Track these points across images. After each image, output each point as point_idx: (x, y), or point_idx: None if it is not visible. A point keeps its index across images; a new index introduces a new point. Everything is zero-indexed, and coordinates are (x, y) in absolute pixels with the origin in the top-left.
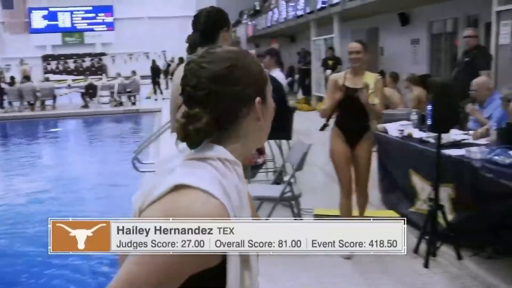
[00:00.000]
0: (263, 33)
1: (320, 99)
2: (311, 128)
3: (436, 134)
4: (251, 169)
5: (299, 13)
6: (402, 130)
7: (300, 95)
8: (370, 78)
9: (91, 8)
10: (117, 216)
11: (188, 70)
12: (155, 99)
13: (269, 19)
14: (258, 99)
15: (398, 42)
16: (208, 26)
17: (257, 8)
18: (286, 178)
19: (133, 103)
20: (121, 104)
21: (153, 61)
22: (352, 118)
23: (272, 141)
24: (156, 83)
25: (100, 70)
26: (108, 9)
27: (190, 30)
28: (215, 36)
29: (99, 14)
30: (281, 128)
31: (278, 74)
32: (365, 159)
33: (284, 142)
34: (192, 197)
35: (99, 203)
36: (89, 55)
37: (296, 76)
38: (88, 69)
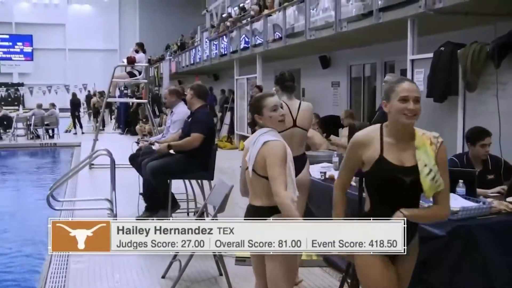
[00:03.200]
0: (187, 70)
1: (243, 137)
2: (233, 167)
3: (358, 177)
4: (172, 208)
5: (223, 52)
6: (324, 173)
7: (222, 133)
8: (425, 145)
9: (7, 36)
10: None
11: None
12: (74, 133)
13: (193, 56)
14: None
15: (319, 84)
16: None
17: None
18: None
19: (51, 137)
20: (37, 137)
21: (74, 94)
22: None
23: (193, 181)
24: (75, 117)
25: (16, 101)
26: (27, 39)
27: (113, 64)
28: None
29: (17, 43)
30: (202, 167)
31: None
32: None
33: (205, 182)
34: (274, 143)
35: (8, 238)
36: (5, 85)
37: (219, 115)
38: (4, 100)
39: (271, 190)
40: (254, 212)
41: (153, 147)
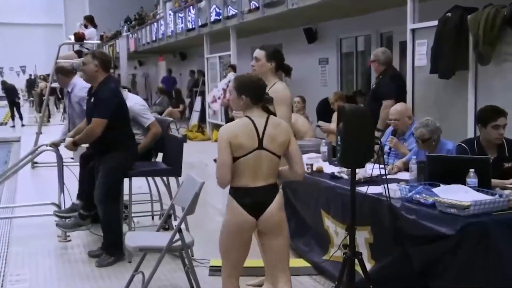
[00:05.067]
0: (148, 48)
1: (217, 127)
2: (205, 161)
3: (350, 169)
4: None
5: (190, 26)
6: (311, 165)
7: (192, 122)
8: None
9: None
10: None
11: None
12: (12, 126)
13: (154, 32)
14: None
15: (305, 61)
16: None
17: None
18: (175, 223)
19: None
20: None
21: (3, 82)
22: None
23: (157, 178)
24: (14, 105)
25: None
26: None
27: (57, 41)
28: None
29: None
30: (168, 162)
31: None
32: None
33: (172, 179)
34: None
35: None
36: None
37: (187, 100)
38: None
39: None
40: (267, 191)
41: (63, 145)
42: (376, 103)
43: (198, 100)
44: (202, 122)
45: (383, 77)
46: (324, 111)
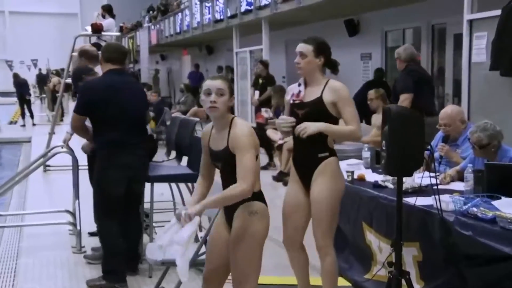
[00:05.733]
0: (171, 41)
1: None
2: None
3: (396, 177)
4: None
5: (218, 16)
6: (351, 172)
7: None
8: None
9: None
10: None
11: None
12: (22, 125)
13: (179, 23)
14: None
15: (345, 56)
16: None
17: (162, 7)
18: (200, 234)
19: None
20: None
21: (15, 75)
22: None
23: (181, 184)
24: (25, 102)
25: None
26: None
27: (72, 33)
28: None
29: None
30: (193, 166)
31: None
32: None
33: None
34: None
35: None
36: None
37: None
38: None
39: None
40: None
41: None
42: (397, 100)
43: None
44: None
45: (402, 72)
46: (358, 107)
